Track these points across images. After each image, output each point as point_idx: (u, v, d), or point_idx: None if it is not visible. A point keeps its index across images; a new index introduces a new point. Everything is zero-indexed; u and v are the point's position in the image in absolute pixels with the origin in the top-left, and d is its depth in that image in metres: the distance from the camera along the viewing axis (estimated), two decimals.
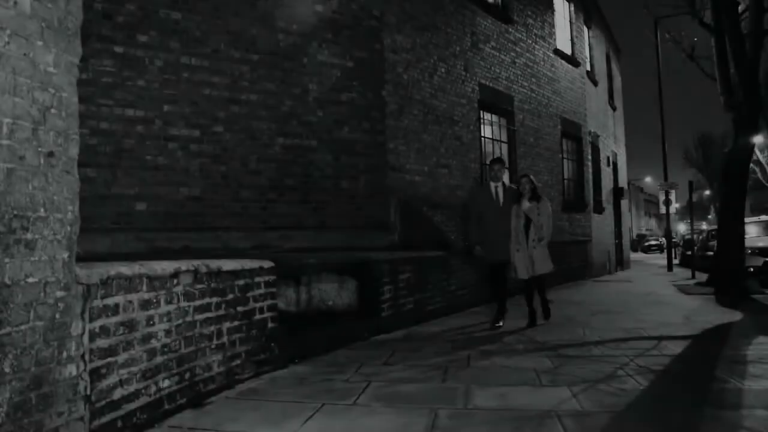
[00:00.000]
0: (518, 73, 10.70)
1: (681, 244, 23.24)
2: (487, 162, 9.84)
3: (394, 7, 7.60)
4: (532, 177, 6.19)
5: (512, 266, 6.05)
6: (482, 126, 9.63)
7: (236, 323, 3.70)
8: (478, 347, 4.82)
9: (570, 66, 12.92)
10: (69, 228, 2.40)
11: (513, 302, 6.67)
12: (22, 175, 2.16)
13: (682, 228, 45.11)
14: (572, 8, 13.54)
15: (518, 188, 6.17)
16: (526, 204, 6.00)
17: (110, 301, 2.66)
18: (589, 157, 13.81)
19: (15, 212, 2.12)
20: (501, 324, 5.94)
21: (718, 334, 5.42)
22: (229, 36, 6.05)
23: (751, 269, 9.85)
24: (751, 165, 14.62)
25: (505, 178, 6.58)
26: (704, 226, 28.78)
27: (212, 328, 3.46)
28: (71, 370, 2.40)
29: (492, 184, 6.32)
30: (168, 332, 3.07)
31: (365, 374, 3.93)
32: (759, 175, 27.20)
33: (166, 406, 3.03)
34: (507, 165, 7.48)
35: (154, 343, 2.97)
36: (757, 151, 23.22)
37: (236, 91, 6.09)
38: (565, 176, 12.55)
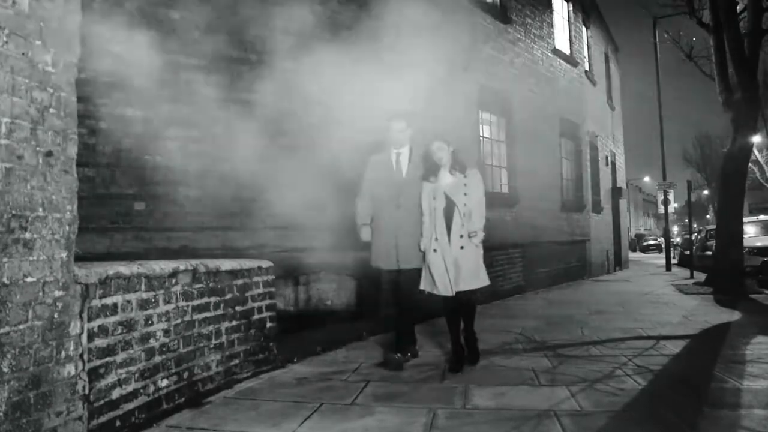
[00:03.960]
0: (516, 72, 10.70)
1: (680, 244, 23.27)
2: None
3: (393, 7, 7.59)
4: (448, 140, 4.15)
5: (424, 277, 4.09)
6: (481, 126, 9.63)
7: (235, 323, 3.70)
8: None
9: (568, 66, 12.92)
10: (67, 227, 2.40)
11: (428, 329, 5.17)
12: (21, 175, 2.16)
13: (675, 230, 45.23)
14: (571, 8, 13.55)
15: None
16: (446, 178, 4.08)
17: (109, 300, 2.66)
18: (588, 156, 13.81)
19: (13, 212, 2.12)
20: (404, 357, 4.16)
21: (716, 334, 5.42)
22: (228, 36, 6.04)
23: (750, 269, 9.86)
24: (750, 165, 14.63)
25: (442, 156, 4.11)
26: (694, 226, 28.80)
27: (211, 327, 3.46)
28: (70, 369, 2.40)
29: (393, 152, 4.40)
30: (166, 332, 3.07)
31: (363, 374, 3.93)
32: (757, 174, 27.24)
33: (165, 406, 3.03)
34: (414, 123, 4.47)
35: (153, 343, 2.97)
36: (755, 151, 23.28)
37: (235, 91, 6.08)
38: (564, 176, 12.55)
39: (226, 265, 3.67)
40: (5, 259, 2.08)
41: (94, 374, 2.55)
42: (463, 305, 4.10)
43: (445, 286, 3.95)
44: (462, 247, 3.95)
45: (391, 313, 4.58)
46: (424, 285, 4.09)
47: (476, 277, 4.01)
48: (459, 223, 3.98)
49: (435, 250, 4.00)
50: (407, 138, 4.40)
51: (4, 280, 2.07)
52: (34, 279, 2.21)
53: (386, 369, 4.00)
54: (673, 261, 18.23)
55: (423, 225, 4.12)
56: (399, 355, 4.12)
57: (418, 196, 4.18)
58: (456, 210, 4.00)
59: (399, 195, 4.25)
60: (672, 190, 16.59)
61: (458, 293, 3.96)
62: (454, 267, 3.93)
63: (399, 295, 4.40)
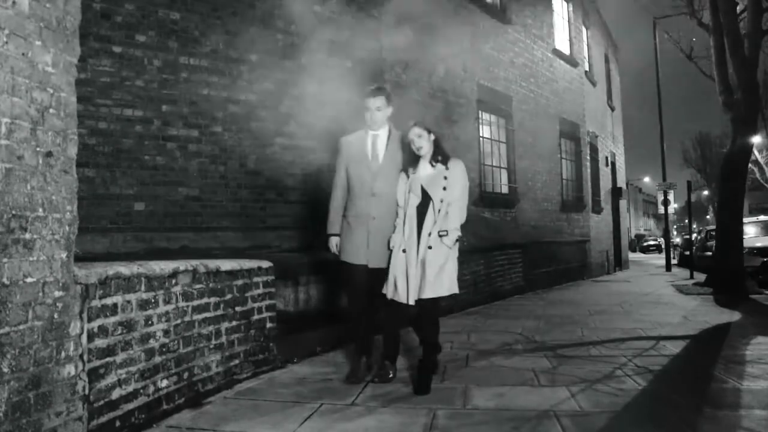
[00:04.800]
0: (517, 73, 10.70)
1: (680, 244, 23.29)
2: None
3: (393, 7, 7.60)
4: (428, 127, 3.72)
5: (388, 279, 3.63)
6: (481, 126, 9.63)
7: (235, 323, 3.70)
8: (476, 347, 4.83)
9: (568, 66, 12.93)
10: (67, 228, 2.40)
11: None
12: (21, 175, 2.16)
13: (674, 231, 45.24)
14: (571, 8, 13.55)
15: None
16: (426, 170, 3.65)
17: (109, 301, 2.66)
18: (588, 157, 13.82)
19: (13, 212, 2.12)
20: (359, 377, 3.72)
21: (716, 334, 5.42)
22: (227, 36, 6.05)
23: (750, 269, 9.86)
24: (750, 165, 14.65)
25: (421, 144, 3.64)
26: (693, 226, 28.82)
27: (211, 328, 3.46)
28: (70, 370, 2.40)
29: (370, 134, 3.87)
30: (166, 332, 3.07)
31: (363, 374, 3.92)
32: (757, 175, 27.26)
33: (165, 406, 3.03)
34: (393, 102, 3.92)
35: (153, 343, 2.97)
36: (755, 152, 23.30)
37: (235, 91, 6.09)
38: (564, 176, 12.55)
39: (226, 265, 3.67)
40: (5, 260, 2.08)
41: (94, 374, 2.55)
42: (421, 315, 3.60)
43: (402, 292, 3.48)
44: (430, 247, 3.46)
45: (355, 318, 3.91)
46: (384, 288, 3.63)
47: (440, 284, 3.47)
48: (431, 220, 3.53)
49: (404, 251, 3.55)
50: (385, 118, 3.84)
51: (4, 280, 2.07)
52: (34, 279, 2.21)
53: (347, 382, 3.64)
54: (673, 261, 18.24)
55: (396, 221, 3.69)
56: (387, 362, 3.74)
57: (395, 183, 3.74)
58: (431, 205, 3.55)
59: (374, 182, 3.76)
60: (672, 191, 16.60)
61: (420, 302, 3.47)
62: (420, 270, 3.46)
63: (365, 292, 3.82)
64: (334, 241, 3.91)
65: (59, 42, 2.38)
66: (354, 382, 3.60)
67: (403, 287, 3.50)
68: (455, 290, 3.58)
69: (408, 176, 3.69)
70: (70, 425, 2.39)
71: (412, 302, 3.48)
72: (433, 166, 3.65)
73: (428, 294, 3.45)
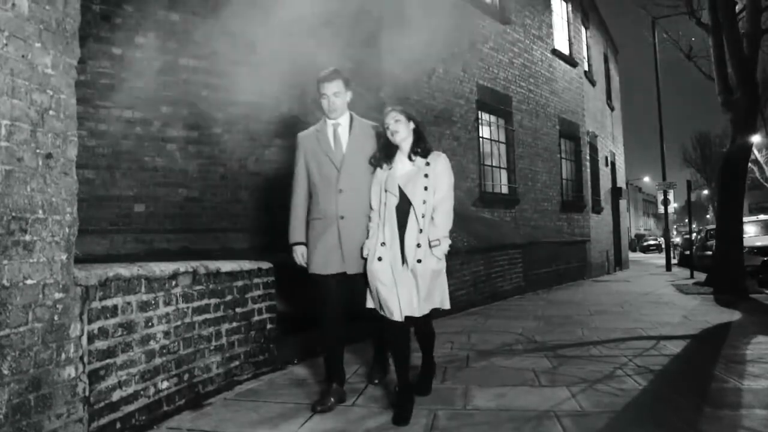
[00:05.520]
0: (516, 73, 10.71)
1: (680, 244, 23.30)
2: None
3: (392, 8, 7.60)
4: (408, 113, 3.20)
5: (370, 291, 3.09)
6: (480, 126, 9.64)
7: (235, 324, 3.70)
8: (476, 347, 4.83)
9: (568, 66, 12.94)
10: (67, 229, 2.40)
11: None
12: (21, 177, 2.16)
13: (674, 231, 45.30)
14: (570, 8, 13.57)
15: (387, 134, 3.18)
16: (404, 165, 3.13)
17: (109, 302, 2.66)
18: (588, 157, 13.83)
19: (13, 214, 2.12)
20: (326, 404, 3.17)
21: (716, 334, 5.42)
22: (227, 37, 6.05)
23: (750, 268, 9.86)
24: (749, 164, 14.64)
25: (398, 131, 3.13)
26: (693, 226, 28.84)
27: (211, 329, 3.46)
28: (70, 371, 2.40)
29: (330, 123, 3.38)
30: (167, 334, 3.07)
31: (363, 375, 3.92)
32: (757, 174, 27.26)
33: (165, 408, 3.03)
34: (352, 85, 3.43)
35: (153, 345, 2.97)
36: (755, 151, 23.29)
37: (234, 93, 6.09)
38: (564, 176, 12.57)
39: (226, 266, 3.67)
40: (5, 262, 2.08)
41: (94, 376, 2.55)
42: (417, 332, 3.27)
43: (393, 308, 2.96)
44: (419, 261, 2.97)
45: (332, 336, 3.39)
46: (370, 302, 3.11)
47: (432, 300, 3.06)
48: (415, 227, 3.01)
49: (380, 259, 3.01)
50: (345, 104, 3.38)
51: (5, 282, 2.07)
52: (35, 281, 2.21)
53: (319, 409, 3.13)
54: (674, 261, 18.25)
55: (370, 224, 3.17)
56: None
57: (364, 177, 3.25)
58: (412, 210, 3.03)
59: (339, 176, 3.28)
60: (672, 190, 16.61)
61: (411, 319, 3.05)
62: (408, 284, 2.98)
63: (343, 310, 3.35)
64: (300, 251, 3.37)
65: (59, 44, 2.38)
66: (321, 411, 3.10)
67: (393, 302, 2.96)
68: (447, 305, 3.16)
69: (383, 171, 3.17)
70: (71, 427, 2.39)
71: (402, 319, 3.00)
72: (411, 160, 3.12)
73: (424, 311, 3.06)
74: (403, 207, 3.06)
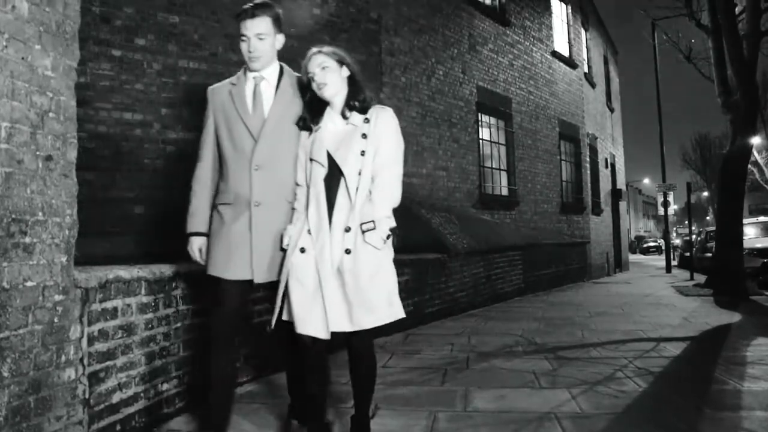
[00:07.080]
0: (516, 75, 10.72)
1: (680, 245, 23.31)
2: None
3: (392, 10, 7.62)
4: (340, 54, 2.37)
5: (281, 301, 2.31)
6: (480, 128, 9.65)
7: None
8: (476, 349, 4.82)
9: (568, 68, 12.96)
10: (67, 232, 2.40)
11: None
12: (21, 179, 2.16)
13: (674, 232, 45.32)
14: (570, 10, 13.59)
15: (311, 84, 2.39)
16: (335, 125, 2.37)
17: (109, 304, 2.66)
18: (587, 158, 13.84)
19: (13, 216, 2.12)
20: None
21: (716, 336, 5.42)
22: (226, 39, 6.06)
23: (750, 270, 9.87)
24: (749, 166, 14.65)
25: (326, 81, 2.33)
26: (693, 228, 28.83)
27: None
28: (70, 373, 2.39)
29: (251, 77, 2.53)
30: (167, 335, 3.07)
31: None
32: (757, 176, 27.28)
33: (165, 410, 3.03)
34: (282, 26, 2.59)
35: (153, 347, 2.96)
36: (755, 153, 23.33)
37: None
38: (564, 178, 12.57)
39: None
40: (5, 264, 2.08)
41: (94, 378, 2.55)
42: (351, 359, 2.37)
43: (317, 320, 2.21)
44: (348, 251, 2.22)
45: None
46: (285, 314, 2.31)
47: (374, 307, 2.22)
48: (345, 205, 2.26)
49: (303, 250, 2.26)
50: (273, 50, 2.54)
51: (4, 284, 2.07)
52: (34, 283, 2.21)
53: None
54: (673, 263, 18.25)
55: (296, 203, 2.43)
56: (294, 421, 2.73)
57: (290, 151, 2.45)
58: (342, 182, 2.27)
59: (256, 148, 2.44)
60: (672, 192, 16.62)
61: (340, 335, 2.26)
62: (337, 285, 2.22)
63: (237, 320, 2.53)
64: (196, 244, 2.61)
65: (59, 46, 2.38)
66: None
67: (313, 312, 2.21)
68: (400, 314, 2.30)
69: (309, 134, 2.41)
70: (70, 429, 2.38)
71: (328, 336, 2.23)
72: (346, 117, 2.35)
73: (362, 324, 2.22)
74: (334, 180, 2.29)
